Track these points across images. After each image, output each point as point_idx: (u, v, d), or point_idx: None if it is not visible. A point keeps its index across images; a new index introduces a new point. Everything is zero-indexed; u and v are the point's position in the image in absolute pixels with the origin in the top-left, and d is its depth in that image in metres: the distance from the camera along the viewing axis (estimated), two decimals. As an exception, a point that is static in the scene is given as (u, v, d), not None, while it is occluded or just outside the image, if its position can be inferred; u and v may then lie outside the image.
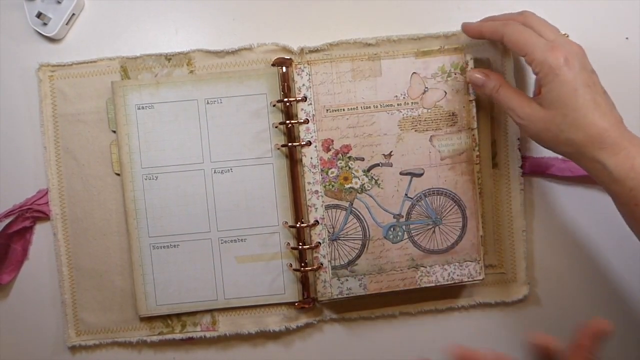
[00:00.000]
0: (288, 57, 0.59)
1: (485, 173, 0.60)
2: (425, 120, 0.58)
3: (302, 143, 0.58)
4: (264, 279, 0.60)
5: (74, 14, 0.60)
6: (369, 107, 0.58)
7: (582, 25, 0.61)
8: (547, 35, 0.50)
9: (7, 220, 0.61)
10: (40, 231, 0.62)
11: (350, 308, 0.62)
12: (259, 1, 0.61)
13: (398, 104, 0.58)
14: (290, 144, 0.58)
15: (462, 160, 0.58)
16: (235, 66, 0.60)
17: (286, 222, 0.60)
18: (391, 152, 0.58)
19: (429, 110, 0.58)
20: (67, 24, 0.60)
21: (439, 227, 0.59)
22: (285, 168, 0.59)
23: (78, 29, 0.62)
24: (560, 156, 0.60)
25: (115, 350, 0.62)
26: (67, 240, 0.61)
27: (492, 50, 0.60)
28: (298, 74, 0.58)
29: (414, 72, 0.58)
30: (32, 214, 0.61)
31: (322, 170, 0.58)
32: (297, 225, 0.59)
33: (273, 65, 0.59)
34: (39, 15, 0.59)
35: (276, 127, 0.59)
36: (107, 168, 0.61)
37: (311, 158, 0.58)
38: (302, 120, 0.58)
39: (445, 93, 0.58)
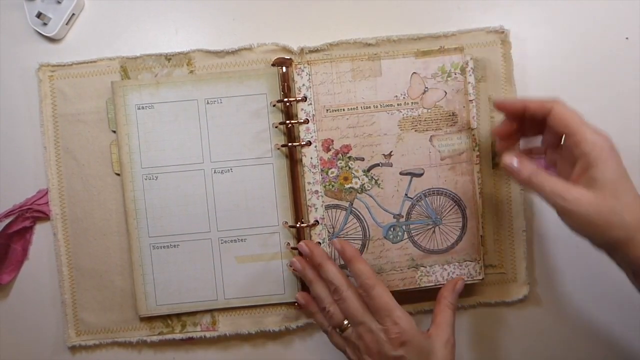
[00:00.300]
0: (288, 57, 0.59)
1: (485, 173, 0.60)
2: (425, 120, 0.58)
3: (302, 143, 0.58)
4: (263, 279, 0.60)
5: (74, 14, 0.61)
6: (369, 107, 0.58)
7: (582, 25, 0.61)
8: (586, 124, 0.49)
9: (7, 220, 0.61)
10: (40, 231, 0.62)
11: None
12: (259, 1, 0.61)
13: (398, 104, 0.58)
14: (290, 144, 0.58)
15: (462, 160, 0.58)
16: (235, 66, 0.60)
17: (286, 222, 0.60)
18: (391, 152, 0.58)
19: (429, 110, 0.58)
20: (67, 24, 0.60)
21: (439, 227, 0.59)
22: (285, 168, 0.59)
23: (78, 29, 0.62)
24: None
25: (115, 350, 0.62)
26: (67, 240, 0.61)
27: (492, 51, 0.60)
28: (298, 74, 0.58)
29: (414, 72, 0.58)
30: (32, 214, 0.61)
31: (322, 170, 0.58)
32: (297, 225, 0.59)
33: (273, 65, 0.59)
34: (39, 15, 0.59)
35: (276, 127, 0.59)
36: (107, 168, 0.61)
37: (311, 158, 0.58)
38: (302, 120, 0.58)
39: (445, 93, 0.58)
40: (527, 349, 0.62)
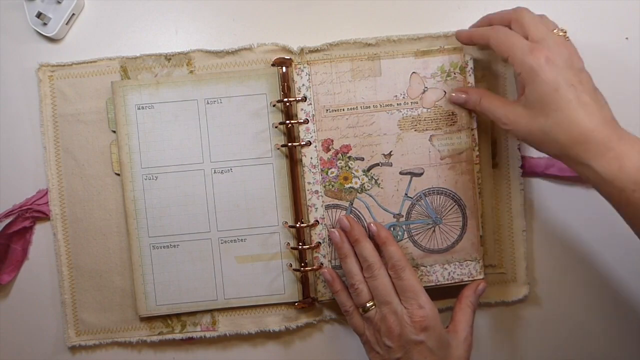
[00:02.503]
0: (288, 57, 0.59)
1: (485, 173, 0.60)
2: (424, 120, 0.58)
3: (302, 143, 0.58)
4: (263, 279, 0.60)
5: (74, 14, 0.61)
6: (369, 107, 0.58)
7: (582, 25, 0.61)
8: (535, 34, 0.50)
9: (7, 220, 0.61)
10: (40, 231, 0.62)
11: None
12: (259, 1, 0.62)
13: (398, 104, 0.58)
14: (290, 144, 0.58)
15: (462, 160, 0.58)
16: (235, 66, 0.60)
17: (286, 222, 0.60)
18: (391, 151, 0.58)
19: (429, 110, 0.58)
20: (67, 24, 0.60)
21: (439, 227, 0.59)
22: (285, 168, 0.59)
23: (78, 29, 0.62)
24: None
25: (115, 350, 0.62)
26: (67, 240, 0.61)
27: (492, 51, 0.59)
28: (298, 74, 0.58)
29: (414, 72, 0.58)
30: (32, 214, 0.61)
31: (322, 170, 0.58)
32: (297, 225, 0.59)
33: (273, 65, 0.59)
34: (39, 15, 0.59)
35: (276, 127, 0.59)
36: (107, 168, 0.61)
37: (311, 158, 0.58)
38: (302, 121, 0.58)
39: (445, 93, 0.58)
40: (527, 349, 0.62)
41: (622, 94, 0.60)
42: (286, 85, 0.58)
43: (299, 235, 0.59)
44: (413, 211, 0.59)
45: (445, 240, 0.59)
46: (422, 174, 0.58)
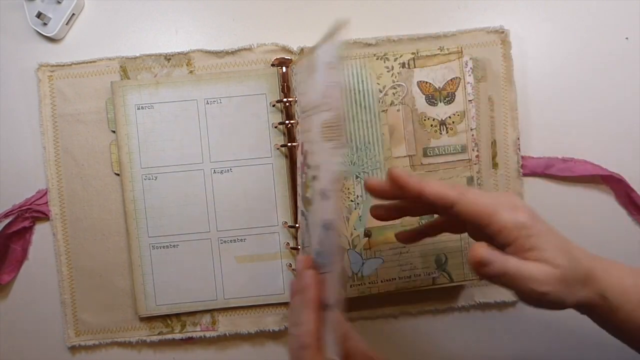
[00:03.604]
0: (288, 57, 0.59)
1: (485, 173, 0.60)
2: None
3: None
4: (263, 279, 0.60)
5: (74, 14, 0.61)
6: None
7: (582, 25, 0.61)
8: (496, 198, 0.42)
9: (7, 221, 0.61)
10: (40, 231, 0.62)
11: (350, 308, 0.61)
12: (259, 1, 0.61)
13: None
14: (289, 144, 0.58)
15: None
16: (234, 66, 0.60)
17: (286, 222, 0.60)
18: (391, 152, 0.58)
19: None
20: (67, 24, 0.60)
21: None
22: (285, 168, 0.59)
23: (78, 29, 0.62)
24: (560, 156, 0.60)
25: (115, 350, 0.62)
26: (67, 240, 0.61)
27: (492, 51, 0.59)
28: (293, 75, 0.58)
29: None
30: (31, 214, 0.61)
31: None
32: (297, 225, 0.59)
33: (273, 65, 0.59)
34: (39, 15, 0.59)
35: (275, 127, 0.59)
36: (106, 168, 0.61)
37: (304, 159, 0.58)
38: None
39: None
40: (527, 349, 0.62)
41: (622, 94, 0.60)
42: (286, 85, 0.58)
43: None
44: None
45: None
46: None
